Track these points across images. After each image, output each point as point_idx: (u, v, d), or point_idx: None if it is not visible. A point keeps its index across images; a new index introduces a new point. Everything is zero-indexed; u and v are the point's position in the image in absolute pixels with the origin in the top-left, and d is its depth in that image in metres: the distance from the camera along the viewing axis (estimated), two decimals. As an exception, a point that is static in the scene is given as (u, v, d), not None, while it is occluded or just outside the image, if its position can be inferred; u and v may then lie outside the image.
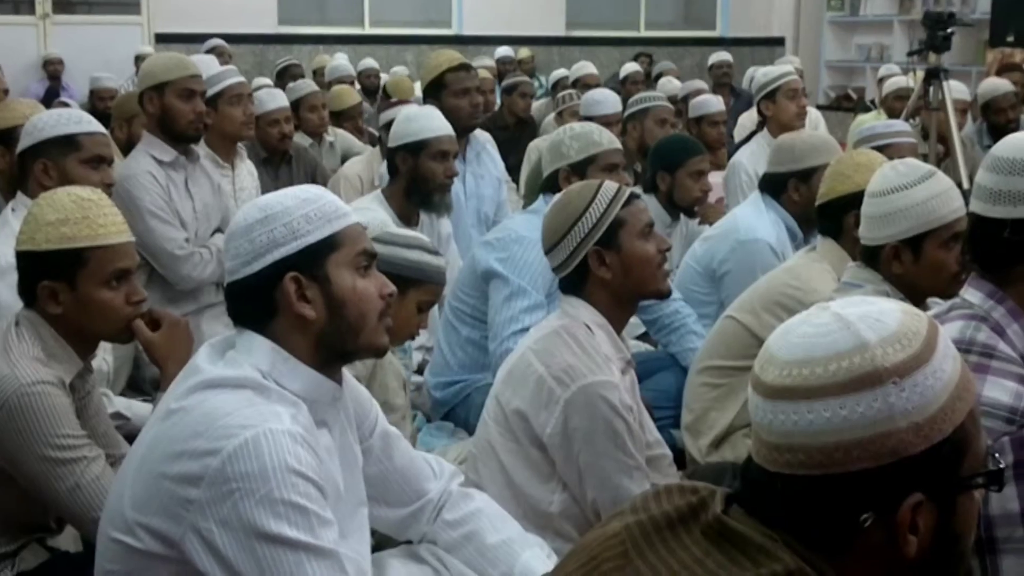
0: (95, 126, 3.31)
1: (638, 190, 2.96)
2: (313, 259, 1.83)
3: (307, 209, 1.84)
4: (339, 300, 1.85)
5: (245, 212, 1.87)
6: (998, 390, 1.68)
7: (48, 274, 2.34)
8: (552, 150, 3.60)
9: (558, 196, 2.70)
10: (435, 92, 4.65)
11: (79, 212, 2.35)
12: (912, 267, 2.50)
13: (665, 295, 2.68)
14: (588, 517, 2.49)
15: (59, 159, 3.19)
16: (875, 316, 1.19)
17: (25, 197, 3.17)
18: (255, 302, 1.84)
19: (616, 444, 2.46)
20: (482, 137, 4.91)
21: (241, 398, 1.75)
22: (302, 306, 1.83)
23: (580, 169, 3.49)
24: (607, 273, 2.53)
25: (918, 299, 2.54)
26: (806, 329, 1.21)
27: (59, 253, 2.33)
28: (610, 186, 2.59)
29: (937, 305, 2.31)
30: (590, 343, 2.49)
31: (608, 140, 3.59)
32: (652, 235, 2.58)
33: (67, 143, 3.20)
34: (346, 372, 1.98)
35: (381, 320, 1.90)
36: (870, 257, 2.58)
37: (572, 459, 2.47)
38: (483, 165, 4.76)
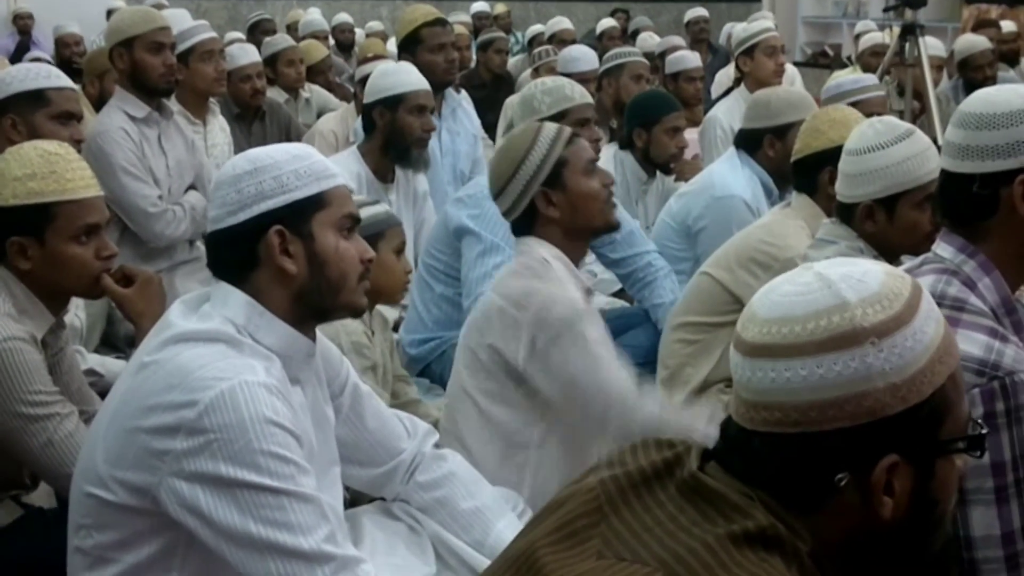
0: (64, 81, 3.27)
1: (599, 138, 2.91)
2: (299, 215, 1.83)
3: (297, 165, 1.84)
4: (321, 258, 1.85)
5: (234, 162, 1.87)
6: (968, 343, 1.69)
7: (16, 230, 2.31)
8: (524, 105, 3.58)
9: (500, 142, 2.71)
10: (410, 48, 4.61)
11: (46, 167, 2.32)
12: (885, 226, 2.50)
13: (615, 228, 2.70)
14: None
15: (27, 114, 3.15)
16: (857, 276, 1.19)
17: None
18: (237, 253, 1.84)
19: (584, 343, 2.45)
20: (457, 94, 4.88)
21: (214, 351, 1.75)
22: (284, 260, 1.83)
23: None
24: (555, 212, 2.54)
25: (891, 257, 2.55)
26: (788, 288, 1.21)
27: (26, 208, 2.31)
28: (550, 127, 2.61)
29: (910, 260, 2.32)
30: (546, 271, 2.52)
31: (580, 95, 3.57)
32: (596, 171, 2.60)
33: (35, 98, 3.17)
34: (318, 331, 1.98)
35: (360, 282, 1.91)
36: (845, 214, 2.58)
37: (550, 372, 2.47)
38: (459, 121, 4.73)
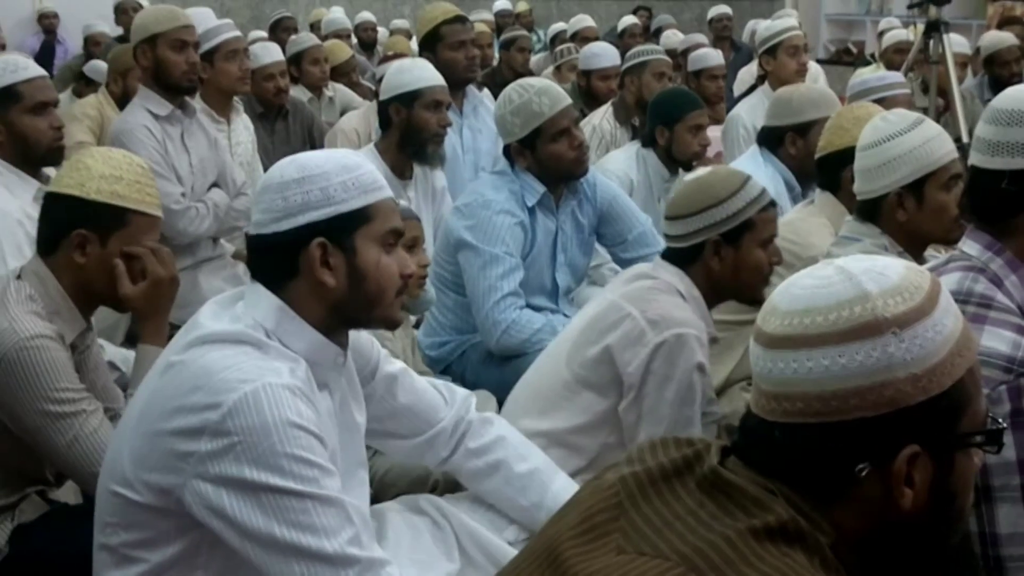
0: (33, 71, 3.23)
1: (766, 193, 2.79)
2: (343, 228, 1.82)
3: (345, 177, 1.83)
4: (361, 273, 1.84)
5: (282, 168, 1.85)
6: (996, 340, 1.69)
7: (88, 223, 2.31)
8: (500, 125, 3.51)
9: (705, 170, 2.67)
10: (431, 45, 4.63)
11: (132, 175, 2.35)
12: (916, 213, 2.51)
13: (758, 304, 2.68)
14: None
15: (2, 113, 3.15)
16: (878, 270, 1.20)
17: None
18: (278, 260, 1.84)
19: (685, 398, 2.48)
20: (479, 91, 4.88)
21: (239, 353, 1.75)
22: (324, 272, 1.82)
23: (530, 143, 3.40)
24: (717, 265, 2.55)
25: (919, 248, 2.57)
26: (809, 281, 1.22)
27: (107, 207, 2.31)
28: (755, 187, 2.58)
29: (935, 258, 2.32)
30: (684, 303, 2.54)
31: (550, 103, 3.38)
32: (771, 245, 2.59)
33: (6, 96, 3.16)
34: None
35: (398, 297, 1.91)
36: (868, 211, 2.57)
37: (639, 399, 2.49)
38: (480, 119, 4.73)
